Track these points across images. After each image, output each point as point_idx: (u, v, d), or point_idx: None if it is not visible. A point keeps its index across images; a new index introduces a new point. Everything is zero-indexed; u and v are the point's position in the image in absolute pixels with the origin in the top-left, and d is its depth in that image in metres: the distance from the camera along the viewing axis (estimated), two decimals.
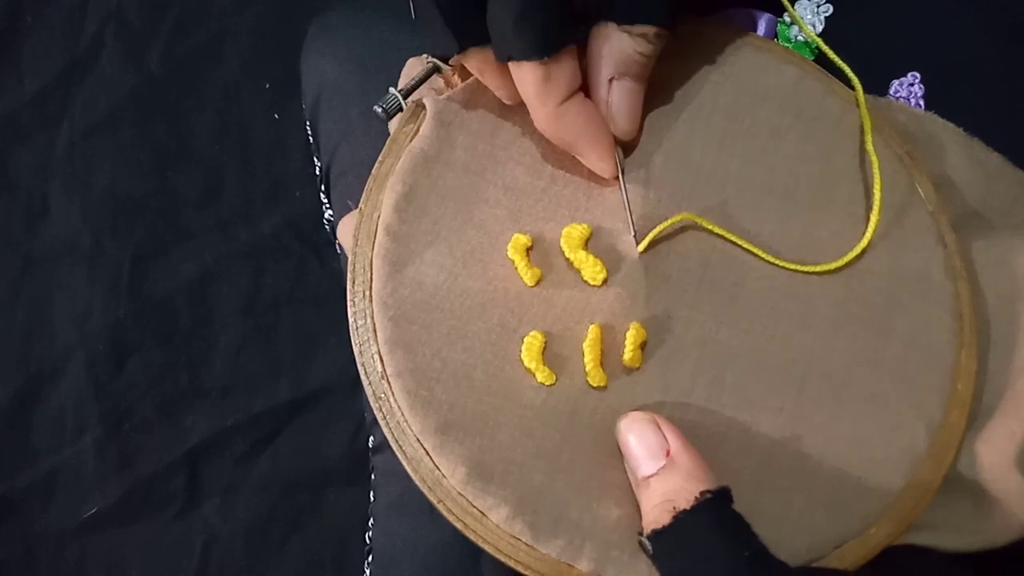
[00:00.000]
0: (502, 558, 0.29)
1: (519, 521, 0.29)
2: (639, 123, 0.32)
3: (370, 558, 0.48)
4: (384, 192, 0.33)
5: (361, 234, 0.32)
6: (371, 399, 0.31)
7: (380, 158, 0.34)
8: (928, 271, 0.33)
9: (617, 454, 0.30)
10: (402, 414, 0.30)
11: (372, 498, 0.48)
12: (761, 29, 0.39)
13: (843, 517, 0.30)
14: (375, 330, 0.31)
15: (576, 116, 0.31)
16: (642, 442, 0.28)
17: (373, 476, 0.48)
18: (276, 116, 0.88)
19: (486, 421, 0.30)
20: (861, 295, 0.33)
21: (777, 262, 0.32)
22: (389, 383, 0.30)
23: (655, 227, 0.32)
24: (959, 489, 0.33)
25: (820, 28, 0.40)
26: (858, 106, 0.34)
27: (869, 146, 0.33)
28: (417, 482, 0.30)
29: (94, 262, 0.86)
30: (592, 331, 0.31)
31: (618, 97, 0.31)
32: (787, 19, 0.39)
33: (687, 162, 0.34)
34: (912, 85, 0.38)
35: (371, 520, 0.48)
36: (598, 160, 0.32)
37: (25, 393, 0.83)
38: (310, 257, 0.85)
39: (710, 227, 0.32)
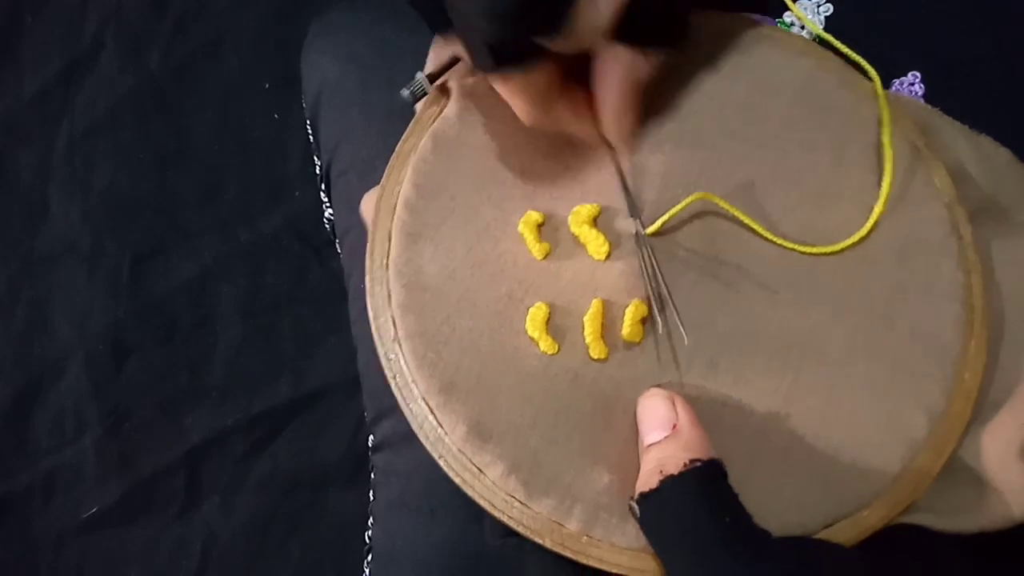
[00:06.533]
0: (496, 514, 0.31)
1: (513, 479, 0.31)
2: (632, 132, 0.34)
3: (369, 557, 0.48)
4: (406, 168, 0.35)
5: (382, 207, 0.34)
6: (383, 360, 0.33)
7: (404, 136, 0.36)
8: (939, 262, 0.33)
9: (613, 424, 0.31)
10: (410, 374, 0.32)
11: (372, 497, 0.48)
12: None
13: (835, 498, 0.31)
14: (389, 296, 0.33)
15: (557, 119, 0.33)
16: (652, 413, 0.30)
17: (373, 475, 0.48)
18: (276, 116, 0.88)
19: (488, 384, 0.32)
20: (865, 283, 0.33)
21: (779, 240, 0.33)
22: (400, 345, 0.32)
23: (666, 210, 0.33)
24: (962, 477, 0.33)
25: (820, 27, 0.40)
26: (874, 98, 0.34)
27: (886, 138, 0.33)
28: (421, 439, 0.32)
29: (94, 262, 0.86)
30: (594, 305, 0.32)
31: (621, 111, 0.33)
32: (786, 19, 0.39)
33: (699, 149, 0.34)
34: (912, 84, 0.38)
35: (371, 519, 0.48)
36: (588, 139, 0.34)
37: (25, 393, 0.83)
38: (310, 257, 0.85)
39: (722, 204, 0.33)
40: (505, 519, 0.31)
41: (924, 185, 0.34)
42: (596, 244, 0.33)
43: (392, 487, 0.46)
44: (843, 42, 0.34)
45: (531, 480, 0.31)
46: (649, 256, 0.32)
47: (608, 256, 0.33)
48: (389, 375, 0.33)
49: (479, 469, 0.31)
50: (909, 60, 0.38)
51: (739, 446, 0.31)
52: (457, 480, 0.31)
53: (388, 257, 0.33)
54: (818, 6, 0.40)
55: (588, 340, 0.32)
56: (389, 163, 0.35)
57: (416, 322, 0.32)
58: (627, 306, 0.32)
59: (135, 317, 0.84)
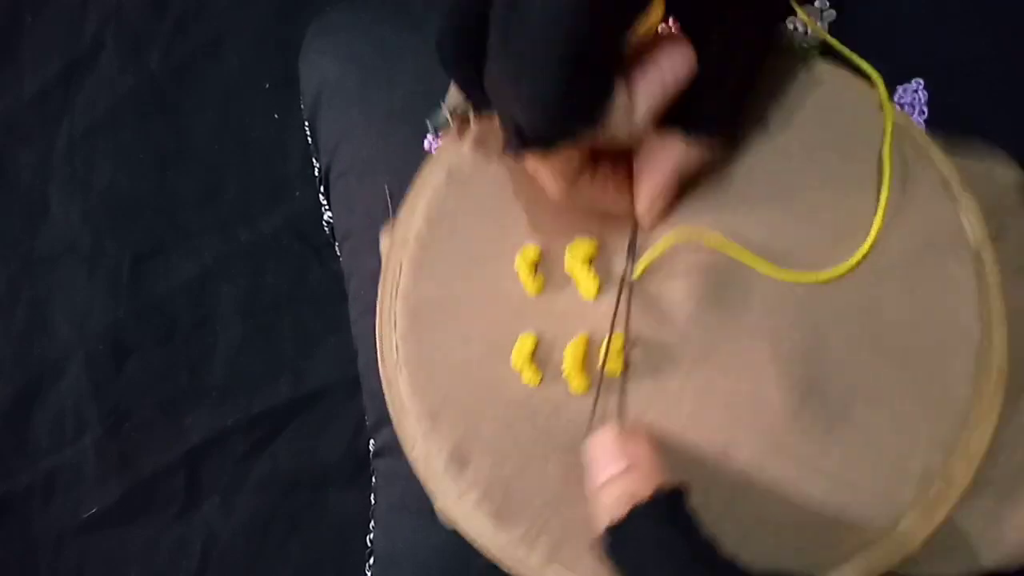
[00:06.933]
0: (469, 539, 0.32)
1: (485, 504, 0.32)
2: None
3: (371, 560, 0.48)
4: (420, 201, 0.36)
5: (397, 237, 0.36)
6: (384, 383, 0.35)
7: (423, 170, 0.37)
8: (956, 308, 0.31)
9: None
10: (406, 400, 0.34)
11: (373, 501, 0.48)
12: None
13: (808, 558, 0.30)
14: (395, 323, 0.34)
15: (585, 196, 0.33)
16: (602, 451, 0.29)
17: (374, 479, 0.48)
18: (276, 116, 0.88)
19: (472, 411, 0.33)
20: (875, 328, 0.32)
21: (779, 274, 0.32)
22: (401, 370, 0.34)
23: (656, 242, 0.33)
24: (969, 555, 0.31)
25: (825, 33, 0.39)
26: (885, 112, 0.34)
27: (886, 148, 0.33)
28: (410, 461, 0.34)
29: (94, 262, 0.86)
30: (577, 339, 0.33)
31: (660, 198, 0.32)
32: (788, 24, 0.39)
33: (719, 188, 0.34)
34: (916, 91, 0.38)
35: (372, 523, 0.48)
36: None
37: (25, 393, 0.83)
38: (310, 257, 0.85)
39: (708, 243, 0.32)
40: (476, 545, 0.32)
41: (950, 223, 0.32)
42: (585, 283, 0.33)
43: (393, 491, 0.46)
44: (847, 48, 0.34)
45: (501, 508, 0.32)
46: (626, 299, 0.33)
47: (597, 294, 0.33)
48: (388, 398, 0.34)
49: (457, 495, 0.32)
50: (913, 66, 0.38)
51: (716, 493, 0.31)
52: (438, 504, 0.33)
53: (398, 287, 0.35)
54: (821, 12, 0.39)
55: (567, 372, 0.32)
56: (408, 194, 0.37)
57: (415, 349, 0.34)
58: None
59: (135, 317, 0.84)
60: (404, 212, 0.36)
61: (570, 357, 0.32)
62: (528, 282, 0.34)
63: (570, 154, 0.31)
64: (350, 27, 0.50)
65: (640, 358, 0.32)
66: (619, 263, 0.34)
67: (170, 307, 0.84)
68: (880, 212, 0.32)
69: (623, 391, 0.32)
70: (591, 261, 0.34)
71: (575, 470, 0.31)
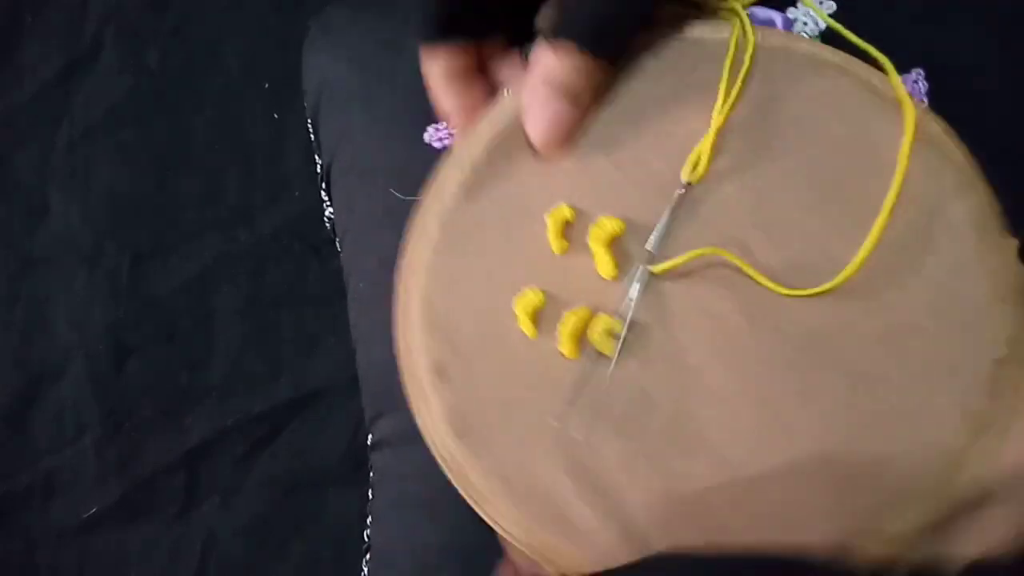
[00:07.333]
0: (442, 467, 0.32)
1: (449, 418, 0.32)
2: (553, 137, 0.34)
3: (368, 556, 0.47)
4: (485, 130, 0.35)
5: (455, 155, 0.35)
6: (399, 284, 0.34)
7: (492, 106, 0.37)
8: (963, 358, 0.31)
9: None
10: (415, 304, 0.34)
11: (371, 496, 0.48)
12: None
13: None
14: (428, 230, 0.34)
15: (443, 102, 0.36)
16: None
17: (372, 474, 0.48)
18: (276, 116, 0.88)
19: (468, 335, 0.33)
20: (895, 375, 0.31)
21: (786, 291, 0.32)
22: (419, 274, 0.34)
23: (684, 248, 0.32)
24: None
25: (823, 24, 0.40)
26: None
27: (904, 149, 0.32)
28: (398, 359, 0.34)
29: (94, 262, 0.86)
30: (581, 309, 0.32)
31: (536, 109, 0.33)
32: (790, 15, 0.39)
33: (761, 192, 0.33)
34: (916, 82, 0.38)
35: (369, 518, 0.48)
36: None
37: (25, 393, 0.83)
38: (310, 257, 0.85)
39: (734, 260, 0.32)
40: (446, 470, 0.32)
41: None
42: (603, 264, 0.33)
43: (391, 487, 0.46)
44: (845, 39, 0.34)
45: (463, 429, 0.32)
46: (637, 290, 0.33)
47: (616, 277, 0.33)
48: (398, 296, 0.34)
49: (426, 404, 0.33)
50: (913, 57, 0.38)
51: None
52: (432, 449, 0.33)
53: (442, 200, 0.34)
54: (820, 2, 0.40)
55: (561, 336, 0.32)
56: (476, 125, 0.36)
57: (441, 261, 0.34)
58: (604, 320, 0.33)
59: (135, 317, 0.84)
60: (468, 137, 0.36)
61: (568, 324, 0.32)
62: (553, 239, 0.33)
63: (452, 57, 0.34)
64: (350, 27, 0.50)
65: (636, 347, 0.32)
66: (639, 252, 0.33)
67: (170, 307, 0.84)
68: (861, 255, 0.32)
69: (605, 369, 0.32)
70: (613, 241, 0.33)
71: (542, 418, 0.32)
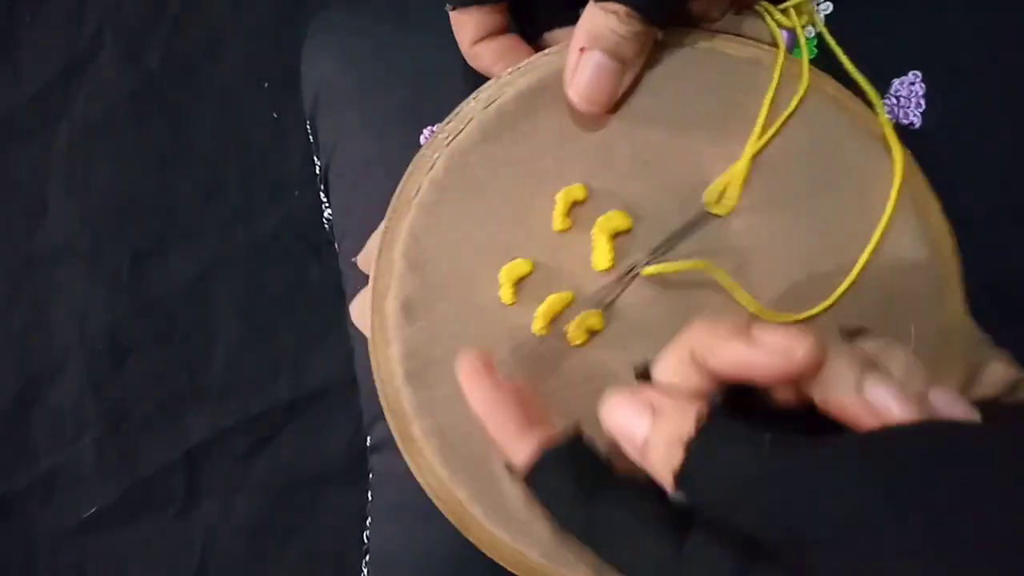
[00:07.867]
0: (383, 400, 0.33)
1: (406, 363, 0.33)
2: (596, 96, 0.33)
3: (367, 558, 0.48)
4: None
5: (464, 110, 0.35)
6: (390, 215, 0.34)
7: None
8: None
9: (519, 387, 0.31)
10: (401, 234, 0.34)
11: (370, 498, 0.48)
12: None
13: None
14: (433, 166, 0.34)
15: (483, 57, 0.37)
16: (619, 419, 0.26)
17: (371, 476, 0.48)
18: (275, 116, 0.88)
19: (444, 284, 0.33)
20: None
21: (762, 312, 0.32)
22: (410, 210, 0.34)
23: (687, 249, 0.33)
24: None
25: (811, 32, 0.39)
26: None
27: (893, 192, 0.32)
28: (371, 289, 0.34)
29: (94, 262, 0.86)
30: (566, 293, 0.33)
31: (582, 67, 0.33)
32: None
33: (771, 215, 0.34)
34: (913, 84, 0.38)
35: (368, 520, 0.48)
36: None
37: (25, 393, 0.83)
38: (310, 257, 0.85)
39: (723, 279, 0.32)
40: (385, 405, 0.33)
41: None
42: (600, 254, 0.33)
43: (389, 489, 0.46)
44: (842, 41, 0.34)
45: (416, 374, 0.32)
46: (621, 286, 0.33)
47: (608, 270, 0.33)
48: (384, 230, 0.34)
49: (386, 341, 0.33)
50: (910, 59, 0.38)
51: None
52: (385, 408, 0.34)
53: (449, 142, 0.34)
54: (818, 4, 0.39)
55: (537, 312, 0.32)
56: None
57: (434, 199, 0.34)
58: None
59: (135, 317, 0.84)
60: (500, 78, 0.35)
61: (548, 304, 0.32)
62: (559, 216, 0.33)
63: (476, 15, 0.35)
64: (350, 27, 0.50)
65: (601, 343, 0.33)
66: (635, 250, 0.33)
67: (170, 307, 0.84)
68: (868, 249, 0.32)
69: (572, 355, 0.33)
70: (616, 236, 0.33)
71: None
